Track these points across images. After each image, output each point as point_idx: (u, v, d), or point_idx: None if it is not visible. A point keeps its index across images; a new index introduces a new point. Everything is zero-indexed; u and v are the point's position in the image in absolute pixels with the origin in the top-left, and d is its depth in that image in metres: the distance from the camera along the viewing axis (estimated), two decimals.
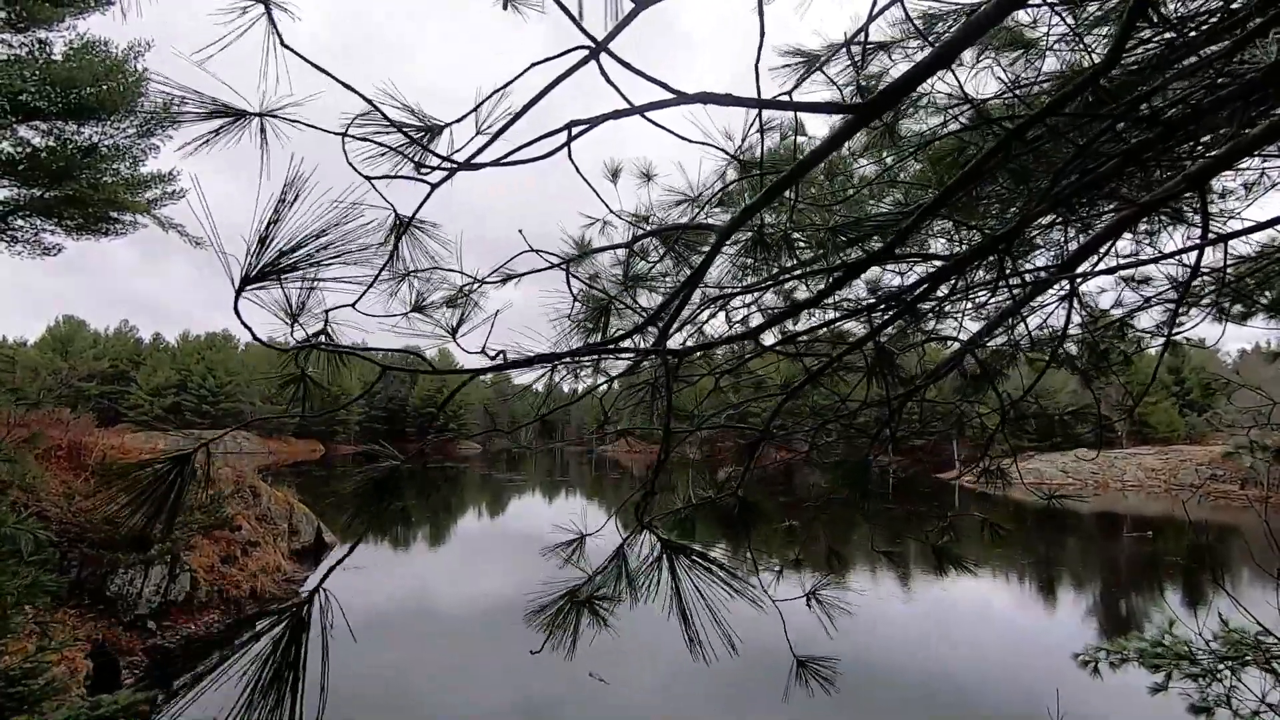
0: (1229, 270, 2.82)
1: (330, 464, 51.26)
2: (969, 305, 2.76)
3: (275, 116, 1.34)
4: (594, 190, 1.91)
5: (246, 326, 1.02)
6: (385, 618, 11.81)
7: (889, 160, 2.74)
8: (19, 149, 14.17)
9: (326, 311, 1.16)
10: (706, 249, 2.55)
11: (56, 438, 12.37)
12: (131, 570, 10.49)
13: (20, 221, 15.92)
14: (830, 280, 1.56)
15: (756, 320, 3.09)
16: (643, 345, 1.74)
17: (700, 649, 1.38)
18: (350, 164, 1.36)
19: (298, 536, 16.17)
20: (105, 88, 13.78)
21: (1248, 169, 2.76)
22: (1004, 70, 2.58)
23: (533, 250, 1.93)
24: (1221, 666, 4.05)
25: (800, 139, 2.88)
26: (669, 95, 1.29)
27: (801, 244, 2.55)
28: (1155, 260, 2.57)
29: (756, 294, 2.70)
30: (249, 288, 1.00)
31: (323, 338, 1.19)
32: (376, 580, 13.88)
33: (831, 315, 2.49)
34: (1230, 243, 2.77)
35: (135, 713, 5.25)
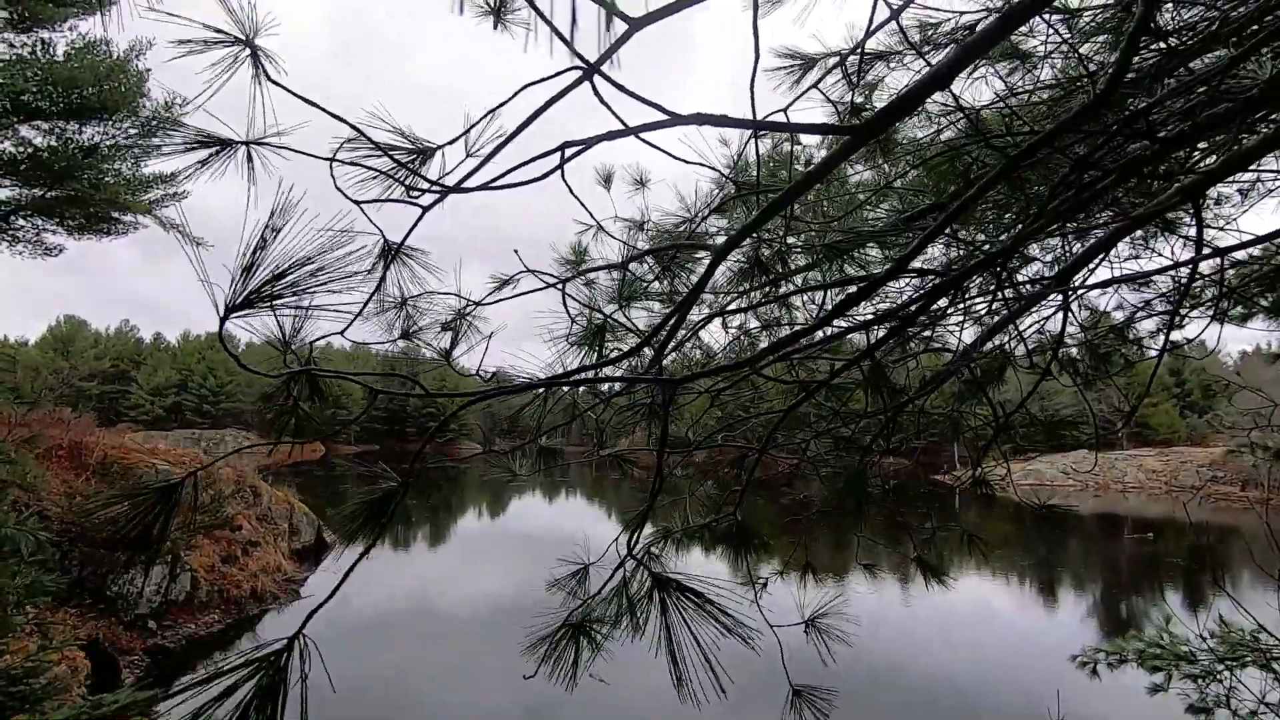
0: (1229, 272, 2.82)
1: (331, 464, 51.25)
2: (965, 318, 2.76)
3: (262, 144, 1.34)
4: (587, 210, 1.91)
5: (233, 355, 1.02)
6: (385, 618, 11.83)
7: (886, 170, 2.74)
8: (20, 149, 14.19)
9: (311, 344, 1.16)
10: (702, 257, 2.56)
11: (57, 437, 12.39)
12: (132, 570, 10.51)
13: (22, 221, 15.93)
14: (833, 306, 1.55)
15: (753, 325, 3.09)
16: (638, 366, 1.74)
17: (689, 691, 1.37)
18: (339, 189, 1.36)
19: (298, 536, 16.19)
20: (106, 88, 13.78)
21: (1244, 180, 2.76)
22: (1001, 80, 2.58)
23: (529, 271, 1.94)
24: (1220, 666, 4.04)
25: (795, 148, 2.88)
26: (664, 116, 1.29)
27: (798, 250, 2.54)
28: (1149, 274, 2.57)
29: (755, 306, 2.70)
30: (234, 315, 1.00)
31: (311, 364, 1.19)
32: (377, 580, 13.90)
33: (829, 330, 2.49)
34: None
35: (136, 712, 5.27)
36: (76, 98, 13.47)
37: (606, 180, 2.80)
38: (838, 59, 2.01)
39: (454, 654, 10.34)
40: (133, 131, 14.71)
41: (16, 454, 10.06)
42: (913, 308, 1.92)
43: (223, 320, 0.98)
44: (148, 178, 15.87)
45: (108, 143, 14.66)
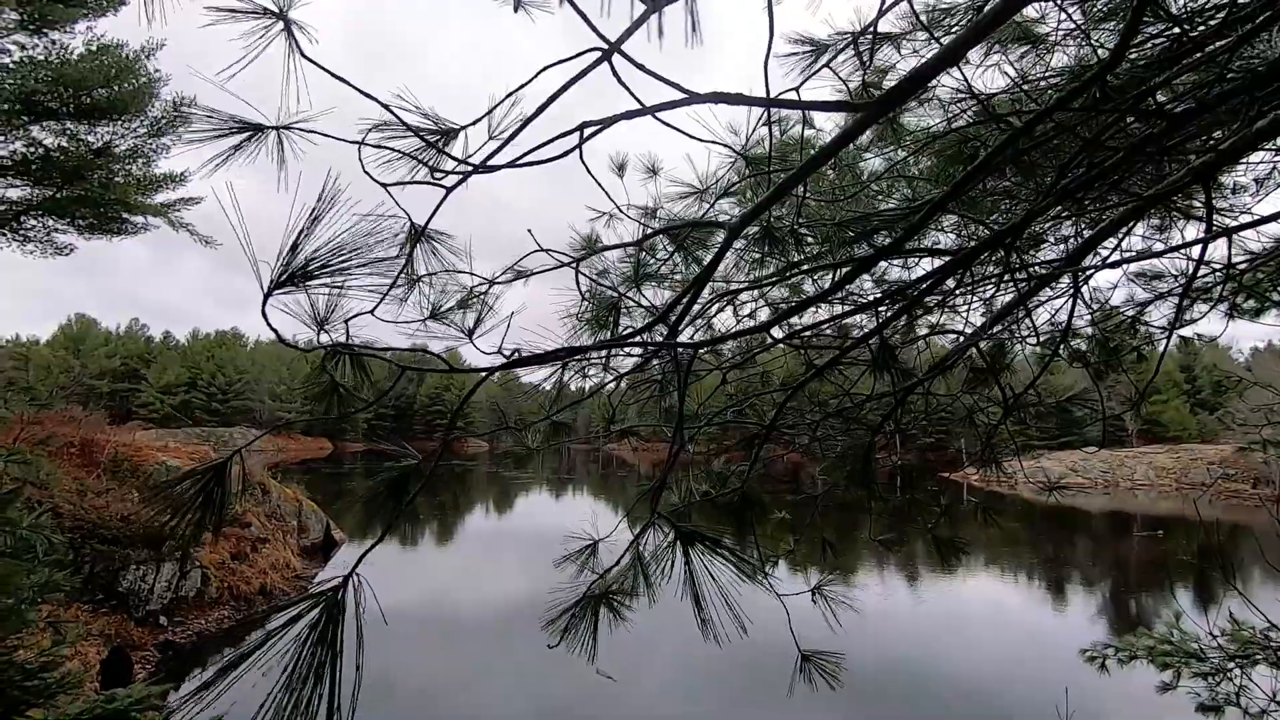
0: (1240, 265, 2.81)
1: (338, 461, 51.59)
2: (975, 299, 2.77)
3: (292, 129, 1.37)
4: (604, 190, 1.93)
5: (273, 329, 1.08)
6: (390, 617, 11.88)
7: (898, 155, 2.75)
8: (31, 149, 14.33)
9: (346, 321, 1.21)
10: (715, 242, 2.58)
11: (69, 435, 12.53)
12: (143, 566, 10.62)
13: (33, 221, 16.08)
14: (839, 275, 1.58)
15: (764, 315, 3.10)
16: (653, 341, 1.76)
17: (712, 631, 1.41)
18: (366, 172, 1.39)
19: (307, 533, 16.31)
20: (117, 89, 13.90)
21: (1259, 163, 2.75)
22: (1011, 66, 2.58)
23: (543, 250, 1.96)
24: (1231, 664, 4.03)
25: (808, 132, 2.89)
26: (681, 95, 1.31)
27: (809, 239, 2.56)
28: (1158, 255, 2.57)
29: (764, 289, 2.72)
30: (277, 291, 1.06)
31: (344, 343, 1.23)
32: (381, 580, 13.96)
33: (838, 309, 2.50)
34: (1242, 238, 2.77)
35: (149, 706, 5.33)
36: (87, 98, 13.60)
37: (620, 169, 2.82)
38: (849, 39, 2.02)
39: (459, 654, 10.39)
40: (142, 131, 14.83)
41: (31, 454, 10.17)
42: (923, 286, 1.94)
43: (266, 296, 1.04)
44: (158, 177, 16.00)
45: (129, 141, 14.78)
